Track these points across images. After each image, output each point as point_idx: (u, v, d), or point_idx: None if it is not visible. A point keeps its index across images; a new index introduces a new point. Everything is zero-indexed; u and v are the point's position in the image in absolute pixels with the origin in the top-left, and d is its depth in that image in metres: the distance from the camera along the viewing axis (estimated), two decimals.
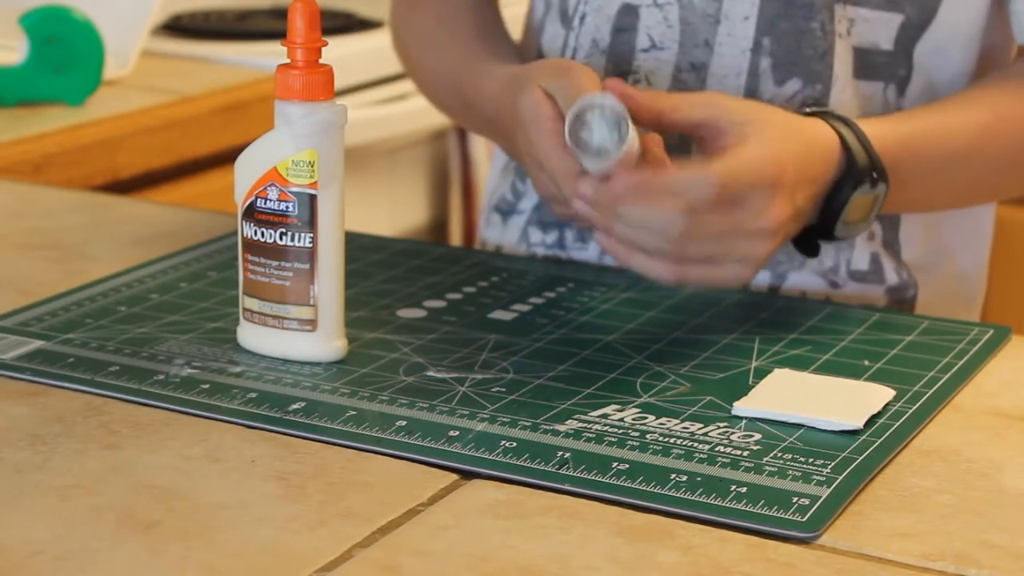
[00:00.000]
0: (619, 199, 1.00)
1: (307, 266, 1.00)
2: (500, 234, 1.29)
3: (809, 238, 1.12)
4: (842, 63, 1.17)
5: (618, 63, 1.19)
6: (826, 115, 1.10)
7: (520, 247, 1.27)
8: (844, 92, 1.17)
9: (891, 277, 1.20)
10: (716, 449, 0.91)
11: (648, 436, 0.92)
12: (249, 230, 1.01)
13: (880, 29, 1.17)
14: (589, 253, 1.23)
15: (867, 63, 1.17)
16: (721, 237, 1.03)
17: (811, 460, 0.90)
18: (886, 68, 1.18)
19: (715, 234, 1.02)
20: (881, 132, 1.11)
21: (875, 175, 1.09)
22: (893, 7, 1.16)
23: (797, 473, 0.88)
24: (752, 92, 1.17)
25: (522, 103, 1.07)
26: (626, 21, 1.19)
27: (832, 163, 1.08)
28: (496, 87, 1.18)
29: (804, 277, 1.20)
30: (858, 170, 1.08)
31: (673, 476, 0.88)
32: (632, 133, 0.99)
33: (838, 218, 1.09)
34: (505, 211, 1.29)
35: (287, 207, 0.99)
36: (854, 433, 0.93)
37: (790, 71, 1.17)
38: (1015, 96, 1.16)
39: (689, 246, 1.02)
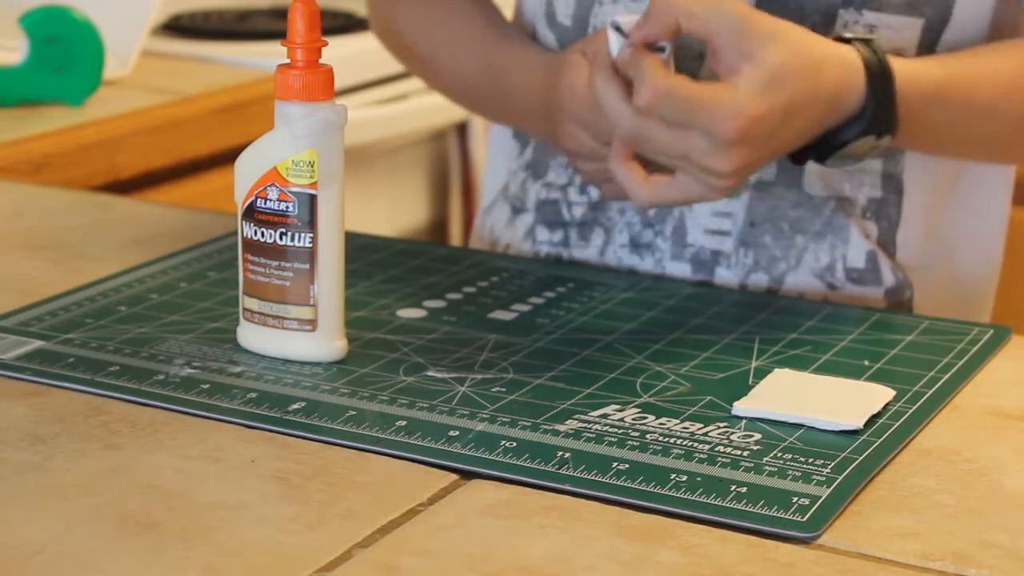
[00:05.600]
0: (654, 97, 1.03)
1: (307, 266, 1.00)
2: (509, 230, 1.29)
3: (802, 152, 1.11)
4: None
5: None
6: (863, 43, 1.08)
7: (526, 244, 1.27)
8: None
9: (888, 278, 1.20)
10: (716, 449, 0.91)
11: (648, 436, 0.92)
12: (249, 230, 1.01)
13: (904, 34, 1.16)
14: (590, 251, 1.23)
15: None
16: (676, 155, 1.04)
17: (811, 460, 0.90)
18: None
19: (665, 147, 1.03)
20: (912, 75, 1.09)
21: (883, 128, 1.08)
22: (913, 11, 1.15)
23: (797, 473, 0.88)
24: None
25: (570, 62, 1.11)
26: None
27: (844, 103, 1.07)
28: (539, 65, 1.20)
29: (801, 278, 1.19)
30: (871, 118, 1.07)
31: (673, 476, 0.88)
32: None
33: (833, 152, 1.09)
34: (517, 208, 1.29)
35: (287, 207, 0.99)
36: (854, 433, 0.93)
37: None
38: None
39: (644, 146, 1.04)
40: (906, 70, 1.09)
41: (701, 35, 1.03)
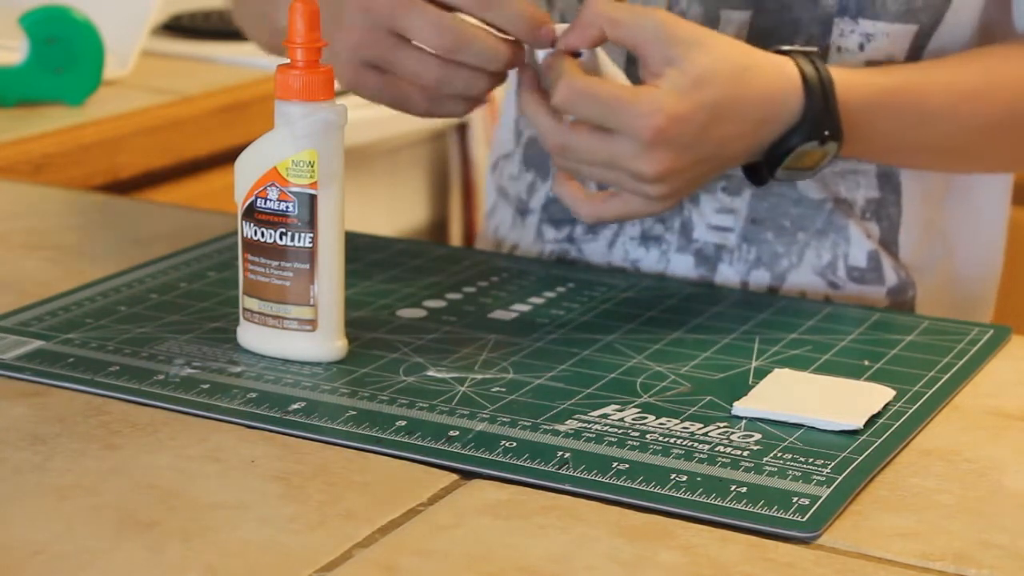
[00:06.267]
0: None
1: (307, 266, 1.00)
2: (516, 232, 1.29)
3: (757, 169, 1.11)
4: None
5: None
6: (802, 55, 1.08)
7: (536, 246, 1.27)
8: None
9: (890, 277, 1.20)
10: (716, 449, 0.91)
11: (648, 436, 0.92)
12: (249, 230, 1.01)
13: (898, 41, 1.16)
14: (598, 244, 1.23)
15: None
16: (603, 163, 1.04)
17: (811, 460, 0.90)
18: None
19: (591, 154, 1.03)
20: (851, 83, 1.09)
21: (827, 133, 1.07)
22: (910, 18, 1.15)
23: (797, 473, 0.88)
24: None
25: None
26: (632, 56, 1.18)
27: (780, 113, 1.07)
28: None
29: (803, 277, 1.19)
30: (811, 124, 1.07)
31: (673, 476, 0.88)
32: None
33: (780, 163, 1.09)
34: (522, 211, 1.29)
35: (287, 207, 0.99)
36: (854, 433, 0.93)
37: None
38: (1006, 60, 1.15)
39: (572, 156, 1.04)
40: (847, 77, 1.09)
41: (628, 44, 1.04)
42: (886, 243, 1.21)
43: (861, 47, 1.15)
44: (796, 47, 1.09)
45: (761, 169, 1.11)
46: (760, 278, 1.20)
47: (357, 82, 1.08)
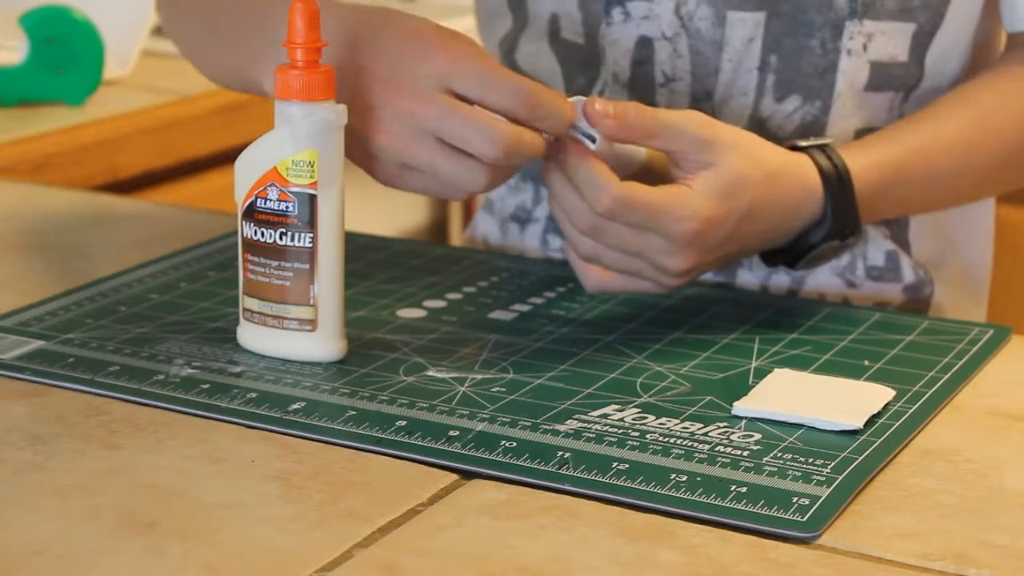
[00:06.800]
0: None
1: (307, 266, 1.00)
2: (520, 242, 1.29)
3: (773, 255, 1.12)
4: (849, 79, 1.16)
5: (640, 97, 1.19)
6: (817, 149, 1.09)
7: (540, 255, 1.27)
8: (845, 107, 1.17)
9: (908, 275, 1.21)
10: (716, 449, 0.91)
11: (648, 436, 0.92)
12: (249, 230, 1.01)
13: (896, 40, 1.16)
14: None
15: (884, 76, 1.17)
16: (632, 253, 1.04)
17: (811, 460, 0.90)
18: (900, 79, 1.18)
19: (623, 244, 1.03)
20: (864, 167, 1.10)
21: (847, 230, 1.09)
22: (906, 16, 1.16)
23: (797, 473, 0.88)
24: (755, 109, 1.17)
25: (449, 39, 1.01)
26: (644, 54, 1.18)
27: (803, 212, 1.08)
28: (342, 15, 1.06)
29: (822, 278, 1.20)
30: (833, 224, 1.08)
31: (673, 476, 0.88)
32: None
33: (802, 258, 1.10)
34: (523, 220, 1.29)
35: (287, 207, 0.99)
36: (854, 433, 0.93)
37: (790, 88, 1.17)
38: (999, 100, 1.16)
39: (601, 240, 1.03)
40: (862, 163, 1.10)
41: (664, 148, 1.03)
42: (900, 243, 1.22)
43: (864, 48, 1.16)
44: (811, 141, 1.11)
45: (775, 257, 1.12)
46: (780, 281, 1.20)
47: (399, 182, 1.04)
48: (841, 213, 1.08)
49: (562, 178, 1.03)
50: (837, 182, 1.08)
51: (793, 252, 1.11)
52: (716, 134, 1.03)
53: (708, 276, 1.20)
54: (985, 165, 1.16)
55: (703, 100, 1.18)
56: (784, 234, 1.09)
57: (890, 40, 1.16)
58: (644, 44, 1.18)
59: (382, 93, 1.00)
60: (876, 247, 1.20)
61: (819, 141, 1.10)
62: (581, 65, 1.21)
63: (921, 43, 1.17)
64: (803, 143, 1.10)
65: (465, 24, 1.37)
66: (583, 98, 1.02)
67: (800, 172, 1.08)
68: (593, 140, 1.02)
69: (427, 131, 0.99)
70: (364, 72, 1.01)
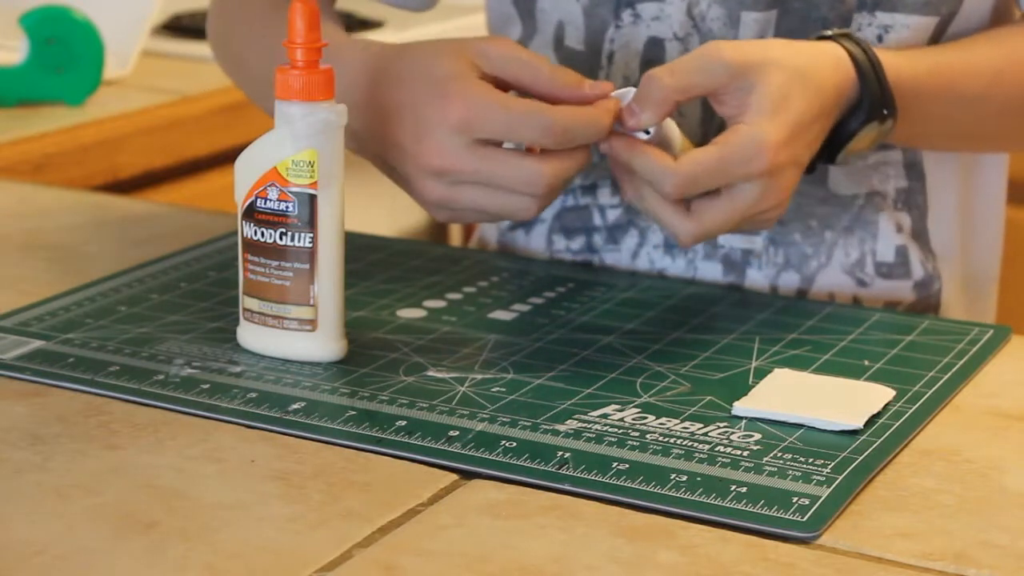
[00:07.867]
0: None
1: (307, 266, 1.00)
2: (525, 244, 1.29)
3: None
4: None
5: None
6: (845, 38, 1.09)
7: (544, 256, 1.27)
8: None
9: (917, 271, 1.21)
10: (716, 449, 0.91)
11: (648, 436, 0.92)
12: (249, 230, 1.01)
13: (919, 34, 1.16)
14: (621, 254, 1.23)
15: None
16: (730, 220, 1.03)
17: (811, 460, 0.90)
18: None
19: (727, 221, 1.03)
20: (898, 65, 1.10)
21: (885, 112, 1.08)
22: (931, 10, 1.16)
23: (797, 473, 0.88)
24: None
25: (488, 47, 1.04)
26: (653, 54, 1.18)
27: (843, 97, 1.07)
28: (362, 59, 1.09)
29: (832, 277, 1.19)
30: (870, 104, 1.08)
31: (673, 476, 0.88)
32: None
33: (842, 148, 1.09)
34: (527, 223, 1.28)
35: (287, 207, 0.99)
36: (854, 433, 0.93)
37: None
38: None
39: (702, 226, 1.03)
40: (891, 60, 1.10)
41: (703, 94, 1.04)
42: (917, 233, 1.21)
43: (879, 38, 1.16)
44: (836, 31, 1.10)
45: (814, 159, 1.11)
46: (789, 280, 1.20)
47: (452, 218, 1.06)
48: (875, 95, 1.08)
49: (630, 179, 1.04)
50: (869, 65, 1.08)
51: (832, 144, 1.10)
52: (744, 55, 1.03)
53: (717, 276, 1.20)
54: (1011, 95, 1.16)
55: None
56: (833, 120, 1.08)
57: (913, 33, 1.16)
58: (654, 45, 1.18)
59: (412, 147, 1.03)
60: (886, 242, 1.20)
61: (843, 30, 1.10)
62: (581, 72, 1.21)
63: (937, 34, 1.17)
64: (829, 32, 1.10)
65: (469, 23, 1.37)
66: (631, 90, 1.02)
67: (832, 60, 1.07)
68: (647, 131, 1.02)
69: (465, 182, 1.02)
70: (390, 120, 1.04)
